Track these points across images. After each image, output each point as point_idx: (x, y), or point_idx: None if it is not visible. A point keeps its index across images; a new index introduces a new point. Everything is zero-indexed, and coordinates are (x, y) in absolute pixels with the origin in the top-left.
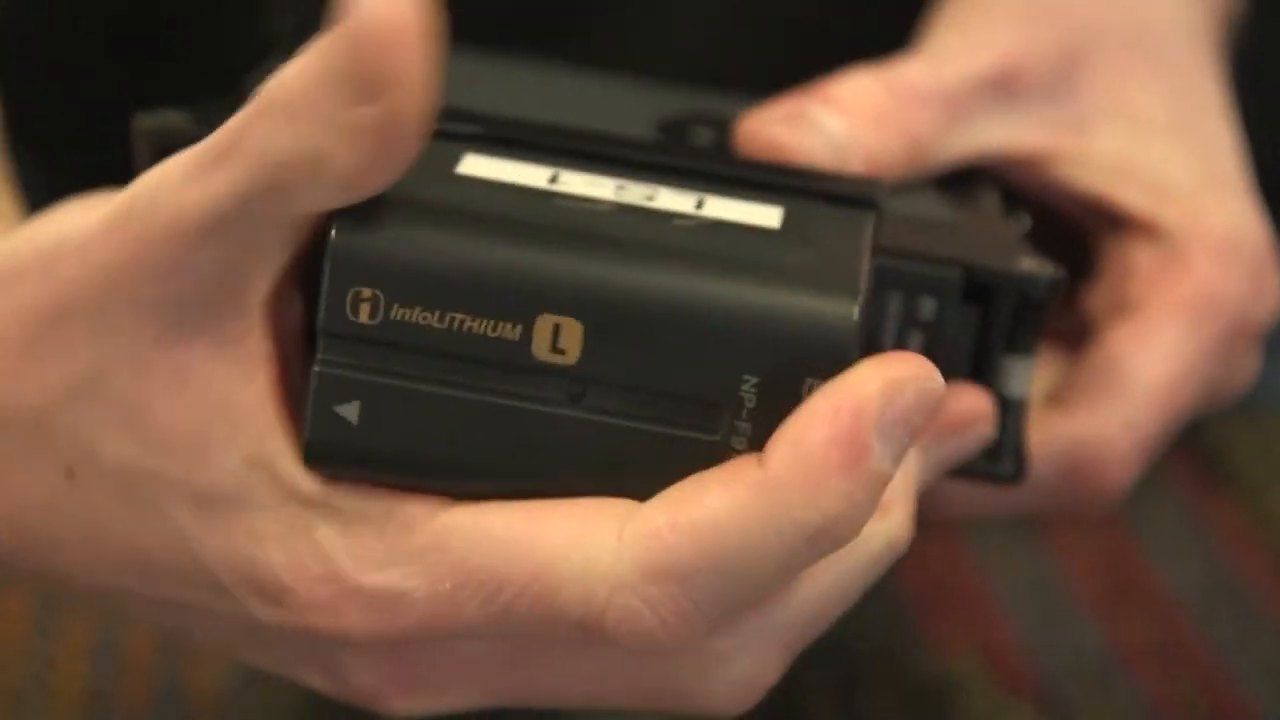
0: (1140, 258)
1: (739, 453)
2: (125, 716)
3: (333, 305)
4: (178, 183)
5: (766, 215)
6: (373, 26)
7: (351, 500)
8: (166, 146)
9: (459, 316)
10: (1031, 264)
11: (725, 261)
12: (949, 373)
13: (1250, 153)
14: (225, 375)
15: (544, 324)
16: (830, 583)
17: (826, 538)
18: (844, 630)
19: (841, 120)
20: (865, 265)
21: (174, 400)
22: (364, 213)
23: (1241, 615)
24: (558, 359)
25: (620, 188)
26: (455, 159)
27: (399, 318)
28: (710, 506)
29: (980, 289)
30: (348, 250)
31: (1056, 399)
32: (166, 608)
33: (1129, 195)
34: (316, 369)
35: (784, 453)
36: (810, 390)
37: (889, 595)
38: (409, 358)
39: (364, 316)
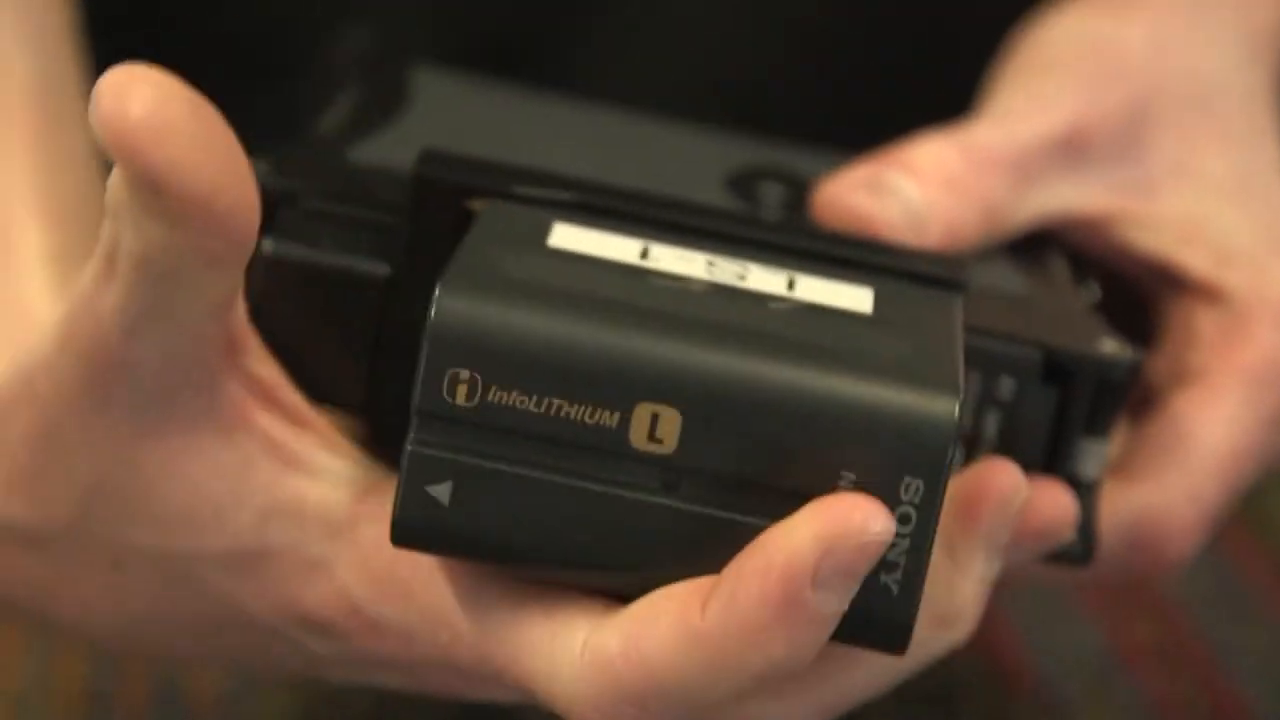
0: (1203, 323)
1: None
2: (125, 716)
3: (429, 386)
4: (91, 294)
5: (858, 298)
6: (116, 132)
7: (370, 528)
8: None
9: (557, 402)
10: (1112, 346)
11: (823, 352)
12: (1025, 452)
13: None
14: (207, 449)
15: (642, 412)
16: (885, 671)
17: (774, 674)
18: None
19: (918, 187)
20: (961, 356)
21: (172, 485)
22: (462, 293)
23: (1241, 615)
24: (655, 448)
25: (711, 264)
26: (546, 229)
27: (496, 400)
28: (658, 643)
29: (1060, 370)
30: (447, 331)
31: (1120, 468)
32: (242, 658)
33: (1193, 259)
34: (409, 448)
35: (719, 609)
36: (908, 489)
37: None
38: (504, 441)
39: (461, 398)
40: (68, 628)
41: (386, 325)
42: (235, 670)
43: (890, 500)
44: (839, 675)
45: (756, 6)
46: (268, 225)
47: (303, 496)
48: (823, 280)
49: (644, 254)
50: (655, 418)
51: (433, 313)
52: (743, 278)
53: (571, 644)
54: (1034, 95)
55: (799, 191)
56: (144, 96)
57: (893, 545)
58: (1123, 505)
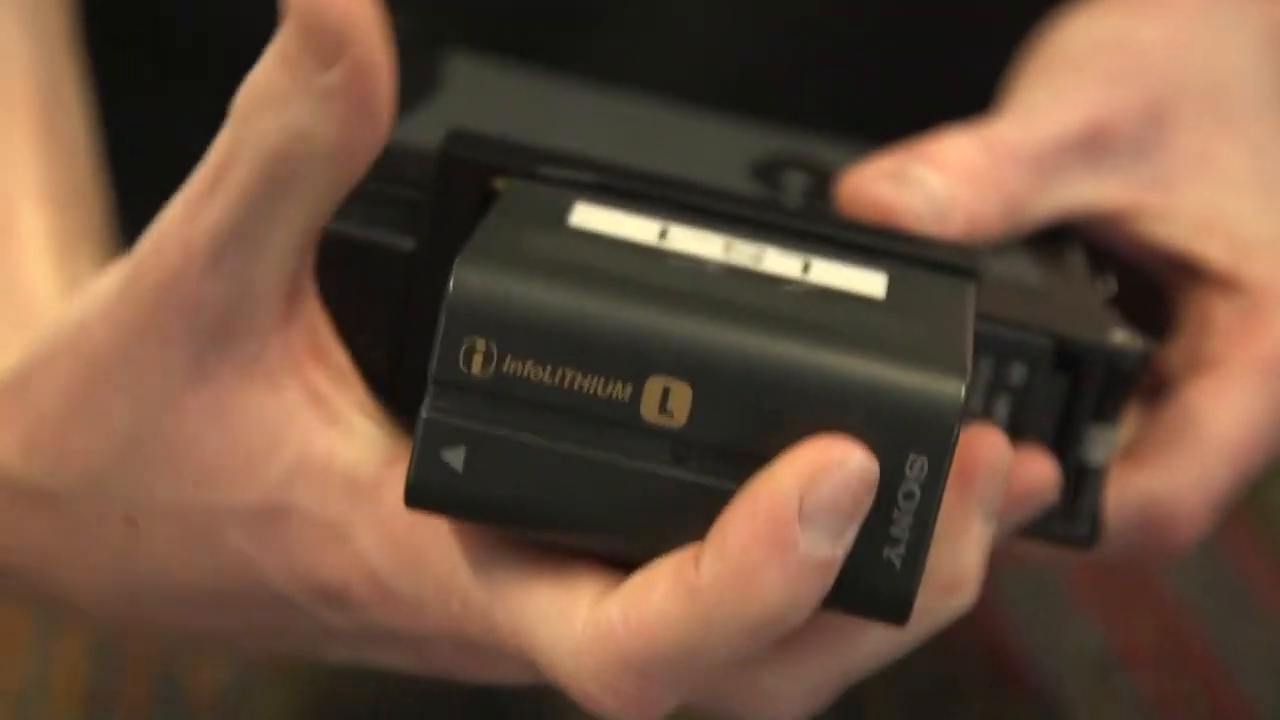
0: (1220, 313)
1: None
2: (125, 716)
3: (446, 354)
4: (181, 220)
5: (871, 282)
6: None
7: (391, 494)
8: None
9: (571, 373)
10: (1123, 336)
11: (834, 331)
12: (1033, 438)
13: None
14: (254, 395)
15: (654, 385)
16: (893, 641)
17: (771, 627)
18: None
19: (942, 179)
20: (971, 340)
21: (211, 433)
22: (481, 265)
23: (1241, 614)
24: (665, 421)
25: (728, 246)
26: (568, 208)
27: (511, 370)
28: (657, 605)
29: (1071, 358)
30: (465, 301)
31: (1131, 453)
32: (247, 634)
33: (1211, 250)
34: (425, 415)
35: (710, 559)
36: (913, 466)
37: None
38: (518, 410)
39: (476, 368)
40: (68, 599)
41: (410, 299)
42: (238, 651)
43: (895, 477)
44: (846, 645)
45: (764, 2)
46: None
47: (333, 455)
48: (838, 264)
49: (662, 234)
50: (667, 391)
51: (451, 284)
52: (759, 260)
53: (575, 615)
54: (1055, 93)
55: (822, 181)
56: None
57: (897, 520)
58: (1132, 489)
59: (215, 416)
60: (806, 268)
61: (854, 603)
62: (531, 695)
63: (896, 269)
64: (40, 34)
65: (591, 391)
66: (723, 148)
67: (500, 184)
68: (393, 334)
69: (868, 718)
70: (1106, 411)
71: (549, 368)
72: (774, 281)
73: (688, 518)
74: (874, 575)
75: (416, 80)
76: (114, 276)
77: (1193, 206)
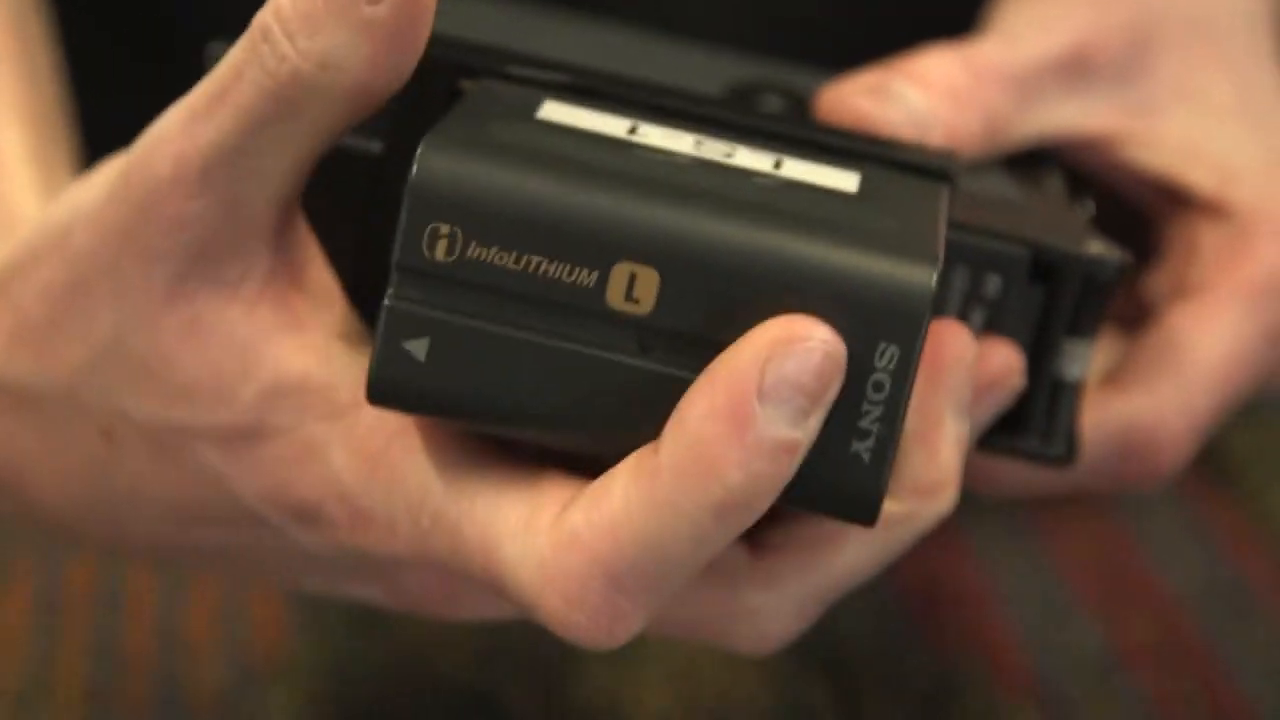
0: (1205, 238)
1: None
2: (125, 716)
3: (409, 240)
4: (177, 133)
5: (844, 180)
6: None
7: (367, 414)
8: None
9: (536, 259)
10: (1099, 247)
11: (805, 220)
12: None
13: None
14: (234, 316)
15: (621, 272)
16: (874, 550)
17: (734, 509)
18: (844, 630)
19: (923, 94)
20: (943, 234)
21: (189, 349)
22: (445, 149)
23: (1241, 615)
24: (631, 308)
25: (699, 143)
26: (536, 105)
27: (475, 256)
28: (618, 499)
29: (1047, 269)
30: (429, 185)
31: (1113, 378)
32: (222, 555)
33: (1197, 176)
34: (387, 303)
35: (672, 434)
36: (883, 356)
37: (889, 595)
38: (482, 298)
39: (440, 254)
40: (45, 509)
41: (374, 201)
42: (213, 569)
43: (865, 367)
44: (827, 557)
45: (759, 6)
46: None
47: (308, 377)
48: (810, 163)
49: (632, 130)
50: (633, 278)
51: (415, 168)
52: (730, 155)
53: (540, 529)
54: (1039, 15)
55: (799, 104)
56: None
57: (866, 413)
58: (1115, 413)
59: (192, 335)
60: (778, 164)
61: (820, 499)
62: (533, 695)
63: (869, 169)
64: None
65: (557, 278)
66: (700, 73)
67: (468, 85)
68: (359, 238)
69: (867, 718)
70: (1083, 325)
71: (514, 253)
72: (745, 174)
73: (653, 409)
74: (841, 470)
75: None
76: (102, 181)
77: (1179, 132)
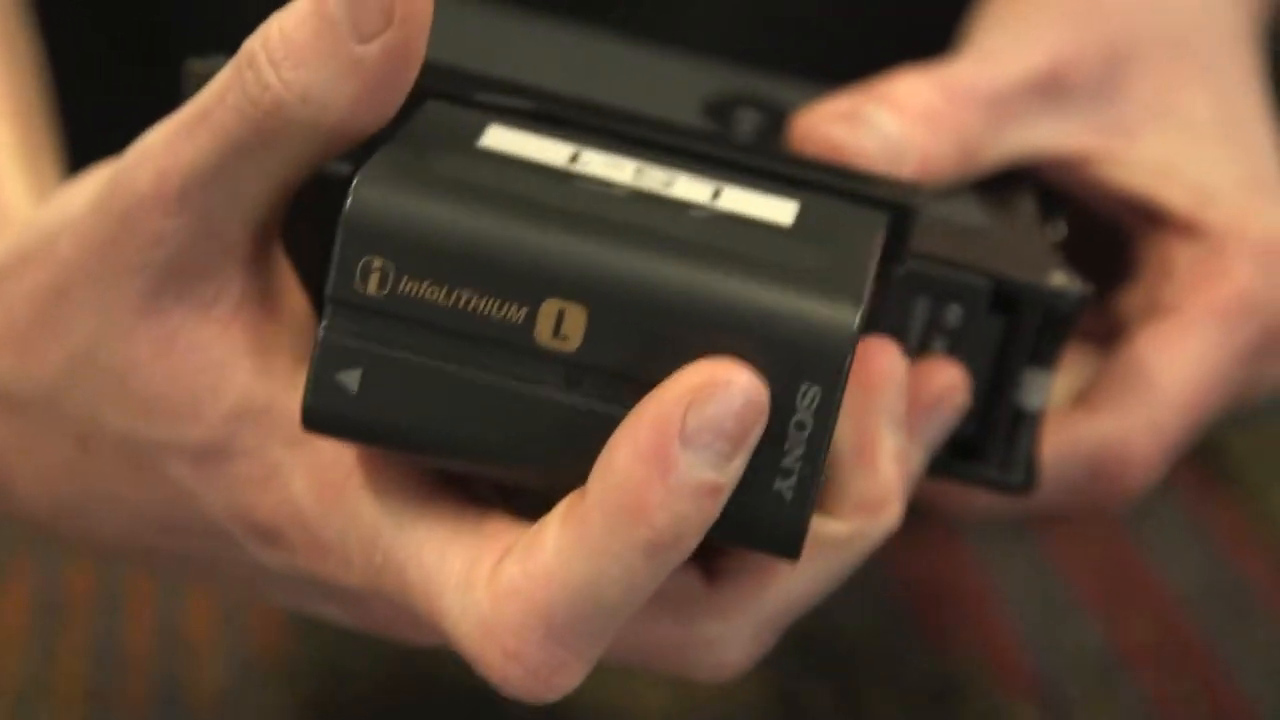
0: (1179, 258)
1: None
2: (125, 716)
3: (342, 273)
4: (160, 150)
5: (780, 210)
6: None
7: (327, 449)
8: None
9: (466, 294)
10: (1061, 279)
11: (731, 258)
12: (969, 379)
13: None
14: (206, 335)
15: (549, 309)
16: (826, 572)
17: (662, 550)
18: (844, 630)
19: (897, 120)
20: (871, 272)
21: (161, 365)
22: (381, 181)
23: (1241, 614)
24: (559, 345)
25: (639, 171)
26: (480, 130)
27: (407, 291)
28: (550, 545)
29: (1008, 300)
30: (362, 218)
31: (1084, 399)
32: (192, 561)
33: (1172, 195)
34: (320, 335)
35: (599, 477)
36: (805, 396)
37: (889, 595)
38: (413, 331)
39: (373, 287)
40: (22, 505)
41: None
42: (184, 576)
43: (787, 407)
44: (778, 583)
45: (759, 6)
46: None
47: (274, 400)
48: (749, 192)
49: (573, 158)
50: (561, 314)
51: (349, 201)
52: (668, 185)
53: (480, 581)
54: (1014, 35)
55: (776, 119)
56: None
57: (789, 451)
58: (1085, 435)
59: (164, 351)
60: (716, 194)
61: (746, 535)
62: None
63: (810, 199)
64: None
65: (486, 313)
66: (678, 84)
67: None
68: (323, 260)
69: (867, 717)
70: (1043, 355)
71: (445, 288)
72: (679, 206)
73: (581, 444)
74: (765, 508)
75: None
76: (90, 189)
77: (1154, 151)
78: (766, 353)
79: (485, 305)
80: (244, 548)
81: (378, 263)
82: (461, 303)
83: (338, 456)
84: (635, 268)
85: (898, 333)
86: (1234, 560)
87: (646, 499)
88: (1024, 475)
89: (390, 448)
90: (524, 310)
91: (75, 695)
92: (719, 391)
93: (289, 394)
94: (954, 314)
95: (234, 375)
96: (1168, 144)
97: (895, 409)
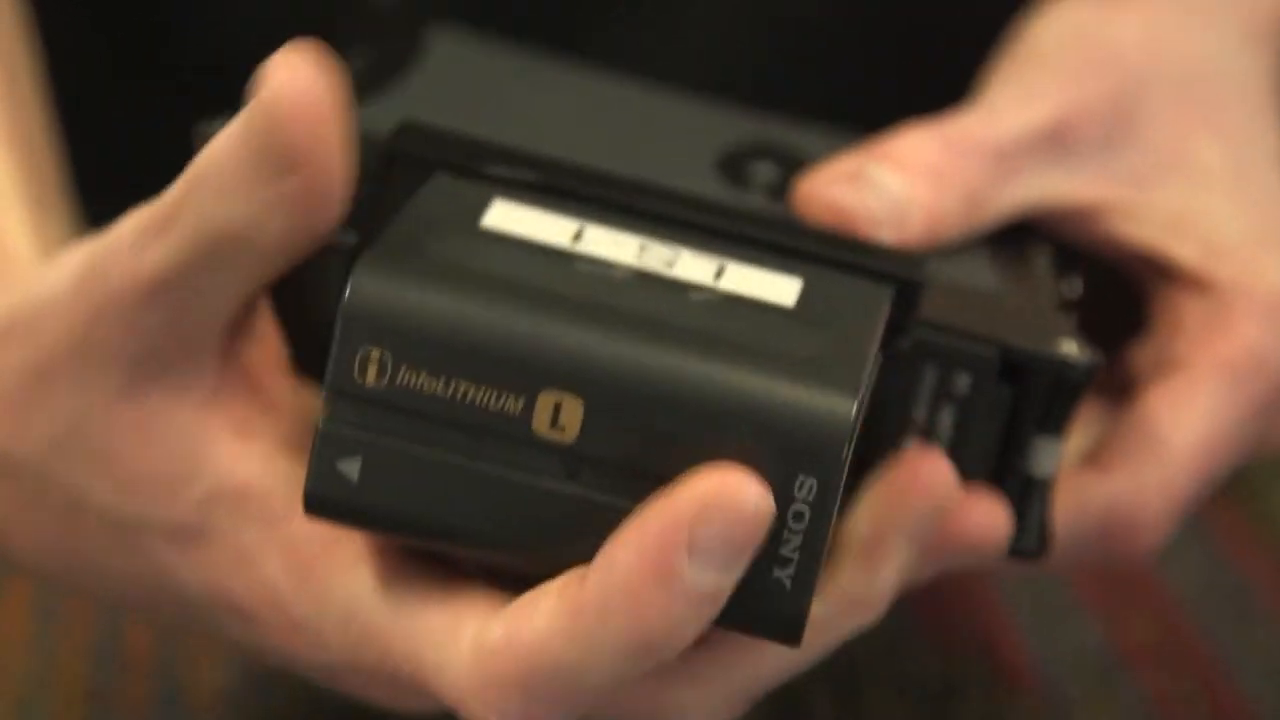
0: (1188, 313)
1: None
2: (125, 716)
3: (341, 364)
4: (128, 248)
5: (784, 289)
6: (282, 103)
7: (303, 525)
8: None
9: (464, 385)
10: (1070, 347)
11: (729, 347)
12: (978, 448)
13: None
14: (182, 419)
15: (546, 400)
16: (793, 658)
17: (651, 651)
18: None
19: (900, 177)
20: (872, 355)
21: (139, 447)
22: (379, 271)
23: (1241, 614)
24: (557, 435)
25: (643, 248)
26: (484, 206)
27: (405, 382)
28: (540, 624)
29: (1016, 369)
30: (361, 310)
31: (1094, 459)
32: (177, 625)
33: (1182, 250)
34: (320, 426)
35: (600, 572)
36: (802, 487)
37: None
38: (412, 421)
39: (371, 378)
40: (20, 560)
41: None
42: (192, 633)
43: (784, 497)
44: (753, 657)
45: (759, 6)
46: None
47: (249, 483)
48: (753, 269)
49: (577, 236)
50: (558, 406)
51: (348, 292)
52: (671, 264)
53: (463, 637)
54: (1019, 88)
55: (793, 170)
56: (313, 80)
57: (786, 541)
58: (1095, 495)
59: (143, 433)
60: (720, 273)
61: (744, 622)
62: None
63: (814, 274)
64: None
65: (484, 404)
66: (694, 135)
67: (428, 183)
68: (327, 335)
69: (867, 717)
70: (1052, 423)
71: (443, 380)
72: (680, 289)
73: (579, 533)
74: (764, 595)
75: (392, 60)
76: (72, 268)
77: (1165, 204)
78: (764, 444)
79: (483, 396)
80: (223, 623)
81: (376, 354)
82: (459, 393)
83: (310, 535)
84: (630, 360)
85: (906, 401)
86: (1234, 560)
87: (646, 604)
88: (1037, 542)
89: (390, 534)
90: (521, 401)
91: (75, 695)
92: (729, 503)
93: (265, 477)
94: (963, 382)
95: (209, 459)
96: (1177, 196)
97: (920, 527)
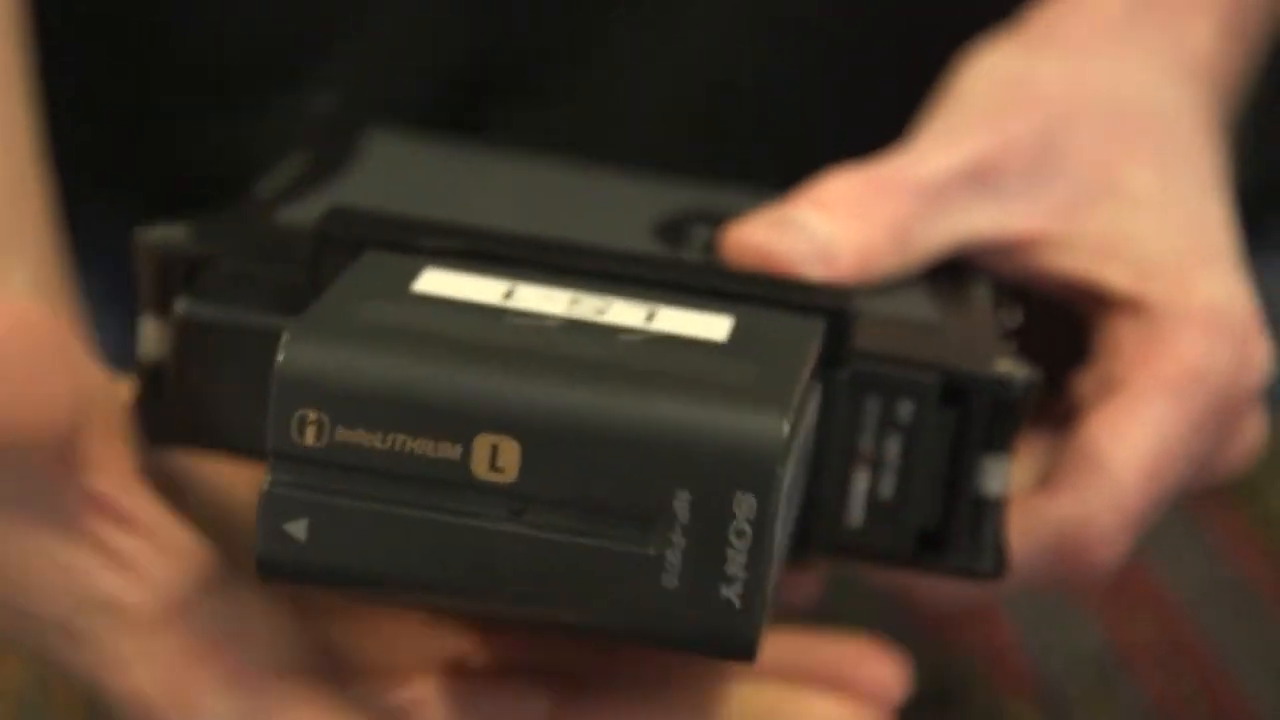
0: (1125, 335)
1: (672, 565)
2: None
3: (279, 427)
4: None
5: (715, 327)
6: None
7: (170, 638)
8: (167, 261)
9: (401, 437)
10: (1008, 366)
11: (659, 377)
12: (927, 473)
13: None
14: (45, 539)
15: (482, 443)
16: None
17: None
18: (845, 630)
19: (824, 216)
20: (803, 378)
21: (13, 556)
22: (310, 336)
23: (1241, 614)
24: (496, 477)
25: (574, 301)
26: (414, 275)
27: (343, 440)
28: None
29: (957, 392)
30: (293, 373)
31: (1042, 483)
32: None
33: (1113, 275)
34: (264, 489)
35: None
36: (740, 505)
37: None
38: (354, 477)
39: (310, 439)
40: None
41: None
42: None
43: (724, 516)
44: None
45: (759, 7)
46: (186, 286)
47: (117, 597)
48: (684, 311)
49: (508, 294)
50: (495, 448)
51: (280, 358)
52: (602, 312)
53: None
54: (942, 131)
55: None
56: None
57: (730, 560)
58: (1045, 518)
59: (16, 545)
60: (650, 317)
61: (699, 643)
62: None
63: (746, 312)
64: None
65: (423, 454)
66: (631, 206)
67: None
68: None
69: None
70: (998, 442)
71: (380, 434)
72: (610, 333)
73: (530, 571)
74: (715, 615)
75: (328, 159)
76: None
77: (1094, 232)
78: (699, 465)
79: (420, 446)
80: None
81: (313, 415)
82: (397, 445)
83: (183, 646)
84: (560, 398)
85: (851, 433)
86: (1234, 561)
87: None
88: (993, 562)
89: (346, 589)
90: (459, 447)
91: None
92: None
93: (130, 588)
94: (905, 410)
95: (77, 573)
96: (1107, 223)
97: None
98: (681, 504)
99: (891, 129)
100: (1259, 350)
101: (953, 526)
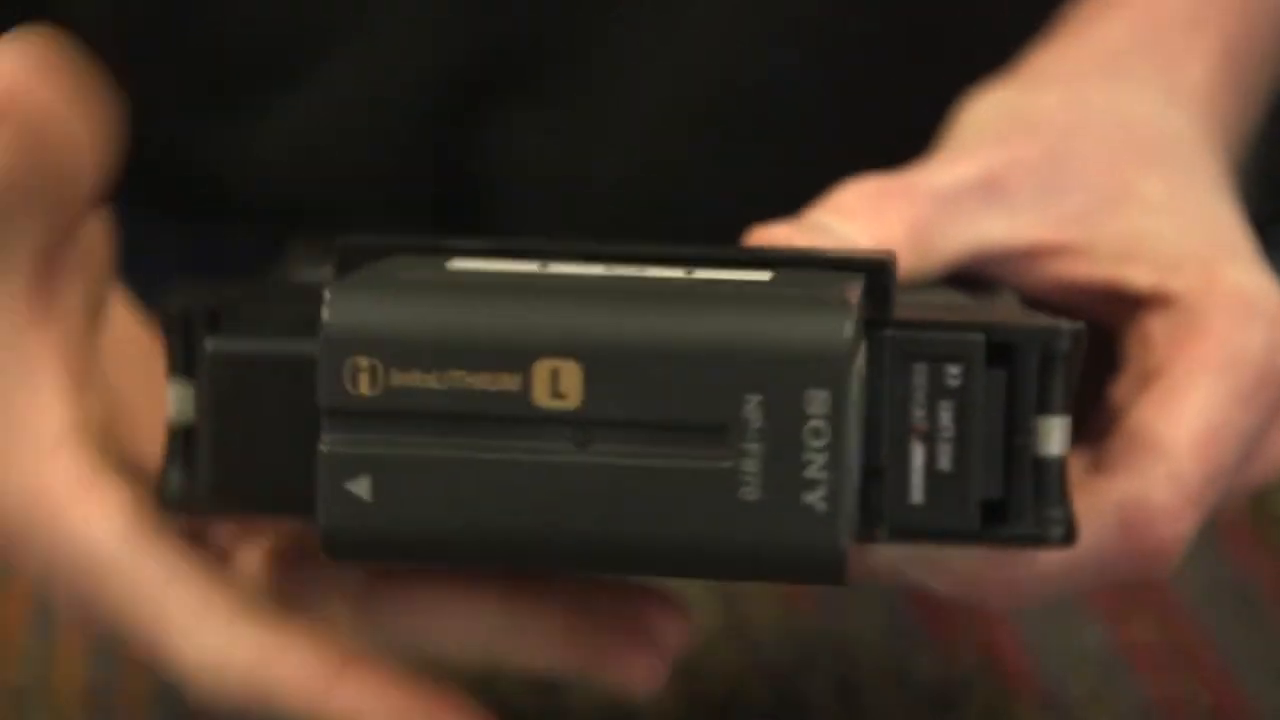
0: (1155, 330)
1: (750, 476)
2: (125, 715)
3: (330, 381)
4: None
5: (756, 276)
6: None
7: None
8: (190, 314)
9: (457, 374)
10: (1051, 319)
11: (717, 297)
12: (983, 438)
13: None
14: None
15: (542, 369)
16: None
17: None
18: (846, 631)
19: (844, 218)
20: (858, 297)
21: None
22: (353, 289)
23: (1243, 615)
24: (559, 404)
25: (609, 269)
26: (445, 260)
27: (398, 384)
28: None
29: (1003, 349)
30: (341, 323)
31: (1095, 466)
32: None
33: (1135, 275)
34: (322, 449)
35: None
36: (813, 402)
37: (893, 595)
38: (413, 423)
39: (364, 388)
40: None
41: None
42: None
43: (797, 417)
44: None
45: (760, 6)
46: (210, 331)
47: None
48: (721, 271)
49: (543, 267)
50: (556, 373)
51: (325, 310)
52: (641, 273)
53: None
54: (950, 150)
55: None
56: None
57: (809, 462)
58: (1104, 498)
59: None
60: (689, 274)
61: (784, 568)
62: (535, 697)
63: (783, 270)
64: None
65: (482, 389)
66: None
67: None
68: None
69: (869, 717)
70: (1050, 400)
71: (436, 372)
72: (658, 278)
73: (604, 503)
74: (799, 526)
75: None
76: None
77: (1112, 236)
78: (767, 366)
79: (478, 380)
80: None
81: (365, 362)
82: (455, 383)
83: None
84: (622, 315)
85: (904, 406)
86: (1237, 561)
87: None
88: (1063, 527)
89: (418, 554)
90: (518, 376)
91: (75, 695)
92: None
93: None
94: (953, 374)
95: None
96: (1123, 226)
97: None
98: (753, 409)
99: (893, 128)
100: None
101: (1015, 493)
